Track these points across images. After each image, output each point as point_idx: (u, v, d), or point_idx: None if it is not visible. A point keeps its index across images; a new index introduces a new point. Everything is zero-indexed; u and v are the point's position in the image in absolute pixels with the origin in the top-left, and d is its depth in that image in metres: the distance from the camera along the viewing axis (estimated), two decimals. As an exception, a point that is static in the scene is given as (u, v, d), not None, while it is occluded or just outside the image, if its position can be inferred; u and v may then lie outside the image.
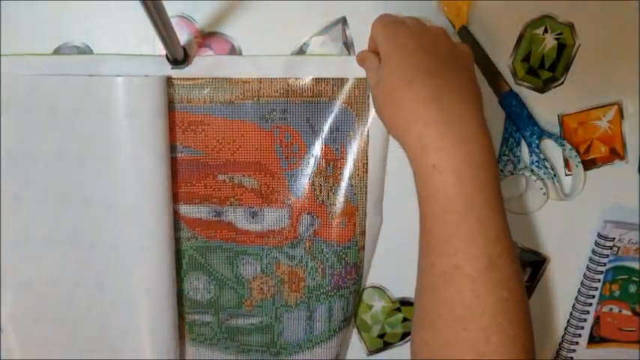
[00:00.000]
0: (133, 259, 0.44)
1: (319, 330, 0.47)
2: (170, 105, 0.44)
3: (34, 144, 0.43)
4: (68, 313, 0.46)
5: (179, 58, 0.43)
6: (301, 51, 0.45)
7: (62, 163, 0.43)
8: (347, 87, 0.45)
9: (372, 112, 0.45)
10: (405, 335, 0.50)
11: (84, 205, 0.44)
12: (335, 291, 0.47)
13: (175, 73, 0.44)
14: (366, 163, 0.46)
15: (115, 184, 0.43)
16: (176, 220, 0.46)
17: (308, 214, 0.46)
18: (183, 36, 0.44)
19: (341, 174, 0.46)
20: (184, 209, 0.46)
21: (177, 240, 0.46)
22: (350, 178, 0.46)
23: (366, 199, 0.46)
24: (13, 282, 0.45)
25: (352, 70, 0.44)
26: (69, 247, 0.45)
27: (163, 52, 0.43)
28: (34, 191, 0.44)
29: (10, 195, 0.44)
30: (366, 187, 0.46)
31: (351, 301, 0.47)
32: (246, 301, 0.48)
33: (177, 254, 0.46)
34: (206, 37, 0.45)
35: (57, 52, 0.45)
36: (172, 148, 0.45)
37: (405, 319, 0.49)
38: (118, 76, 0.42)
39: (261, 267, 0.47)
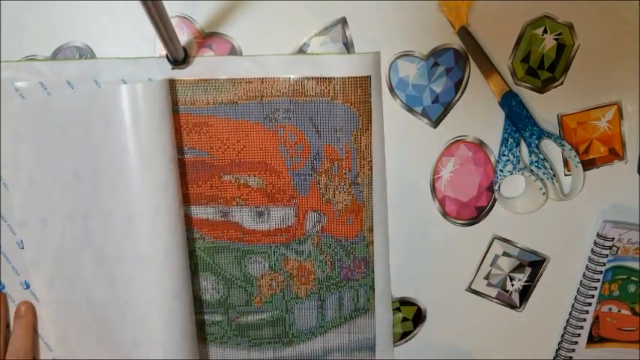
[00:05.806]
0: (158, 266, 0.43)
1: (331, 316, 0.48)
2: (174, 107, 0.44)
3: (52, 166, 0.44)
4: (105, 332, 0.45)
5: (179, 58, 0.43)
6: (301, 51, 0.45)
7: (80, 180, 0.43)
8: (349, 86, 0.45)
9: (375, 111, 0.45)
10: (404, 335, 0.50)
11: (105, 219, 0.43)
12: (345, 282, 0.48)
13: (178, 74, 0.44)
14: (371, 161, 0.46)
15: (131, 193, 0.42)
16: (184, 221, 0.46)
17: (314, 211, 0.47)
18: (183, 36, 0.45)
19: (346, 173, 0.46)
20: (191, 210, 0.46)
21: None
22: (356, 177, 0.46)
23: (372, 196, 0.46)
24: (56, 304, 0.45)
25: (354, 69, 0.44)
26: (97, 265, 0.44)
27: (164, 52, 0.43)
28: (58, 213, 0.44)
29: (37, 220, 0.44)
30: (371, 185, 0.46)
31: (361, 293, 0.48)
32: (255, 298, 0.48)
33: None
34: (206, 37, 0.45)
35: (57, 51, 0.45)
36: (178, 150, 0.45)
37: (404, 319, 0.50)
38: (122, 82, 0.42)
39: (269, 264, 0.47)
